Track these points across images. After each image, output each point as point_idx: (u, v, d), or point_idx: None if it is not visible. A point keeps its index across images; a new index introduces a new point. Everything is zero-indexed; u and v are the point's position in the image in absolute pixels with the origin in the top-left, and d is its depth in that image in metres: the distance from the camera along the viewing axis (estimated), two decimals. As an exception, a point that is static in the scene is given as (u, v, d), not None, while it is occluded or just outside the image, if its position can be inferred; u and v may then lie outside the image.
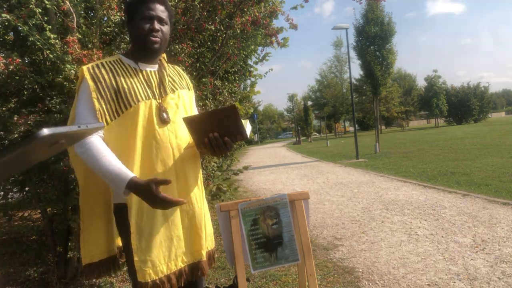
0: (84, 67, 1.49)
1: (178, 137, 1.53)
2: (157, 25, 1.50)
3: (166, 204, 1.35)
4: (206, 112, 1.53)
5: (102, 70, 1.48)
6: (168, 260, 1.48)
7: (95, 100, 1.44)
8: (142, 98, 1.48)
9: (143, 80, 1.53)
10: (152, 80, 1.55)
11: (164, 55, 1.65)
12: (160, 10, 1.51)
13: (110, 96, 1.45)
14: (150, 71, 1.57)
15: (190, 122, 1.47)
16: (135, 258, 1.43)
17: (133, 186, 1.34)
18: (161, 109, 1.51)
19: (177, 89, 1.61)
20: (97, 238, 1.60)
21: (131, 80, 1.50)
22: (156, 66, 1.60)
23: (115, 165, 1.37)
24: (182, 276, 1.52)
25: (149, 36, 1.49)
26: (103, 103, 1.44)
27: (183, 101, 1.62)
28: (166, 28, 1.55)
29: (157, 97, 1.52)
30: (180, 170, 1.53)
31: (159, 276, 1.45)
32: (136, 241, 1.43)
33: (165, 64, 1.64)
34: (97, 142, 1.40)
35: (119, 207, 1.50)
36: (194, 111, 1.72)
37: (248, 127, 1.56)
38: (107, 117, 1.45)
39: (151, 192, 1.32)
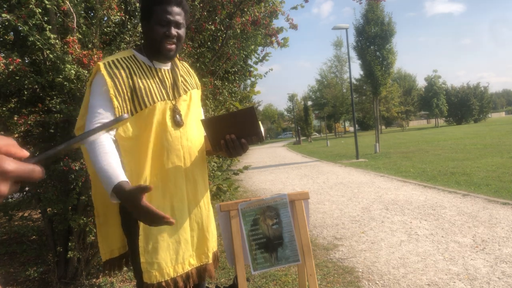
0: (101, 63, 1.43)
1: (189, 139, 1.51)
2: (173, 31, 1.44)
3: (150, 216, 1.19)
4: (225, 114, 1.53)
5: (119, 67, 1.43)
6: (176, 263, 1.46)
7: (114, 98, 1.38)
8: (158, 98, 1.44)
9: (158, 80, 1.49)
10: (166, 79, 1.51)
11: None
12: (176, 13, 1.45)
13: (127, 94, 1.41)
14: (164, 70, 1.53)
15: (208, 123, 1.46)
16: (142, 260, 1.41)
17: (119, 191, 1.23)
18: (175, 111, 1.48)
19: (189, 90, 1.59)
20: (115, 232, 1.55)
21: (147, 79, 1.46)
22: (169, 64, 1.57)
23: (112, 165, 1.27)
24: (190, 279, 1.51)
25: (164, 43, 1.44)
26: (120, 101, 1.40)
27: (193, 102, 1.60)
28: (182, 31, 1.50)
29: (171, 98, 1.49)
30: (190, 172, 1.51)
31: (165, 278, 1.43)
32: (143, 243, 1.41)
33: (178, 62, 1.61)
34: (105, 138, 1.34)
35: (125, 207, 1.46)
36: (200, 110, 1.71)
37: (261, 128, 1.56)
38: None
39: (134, 200, 1.18)
